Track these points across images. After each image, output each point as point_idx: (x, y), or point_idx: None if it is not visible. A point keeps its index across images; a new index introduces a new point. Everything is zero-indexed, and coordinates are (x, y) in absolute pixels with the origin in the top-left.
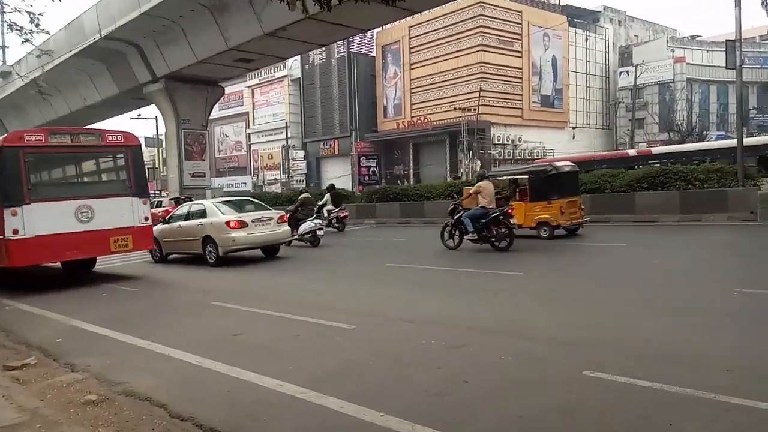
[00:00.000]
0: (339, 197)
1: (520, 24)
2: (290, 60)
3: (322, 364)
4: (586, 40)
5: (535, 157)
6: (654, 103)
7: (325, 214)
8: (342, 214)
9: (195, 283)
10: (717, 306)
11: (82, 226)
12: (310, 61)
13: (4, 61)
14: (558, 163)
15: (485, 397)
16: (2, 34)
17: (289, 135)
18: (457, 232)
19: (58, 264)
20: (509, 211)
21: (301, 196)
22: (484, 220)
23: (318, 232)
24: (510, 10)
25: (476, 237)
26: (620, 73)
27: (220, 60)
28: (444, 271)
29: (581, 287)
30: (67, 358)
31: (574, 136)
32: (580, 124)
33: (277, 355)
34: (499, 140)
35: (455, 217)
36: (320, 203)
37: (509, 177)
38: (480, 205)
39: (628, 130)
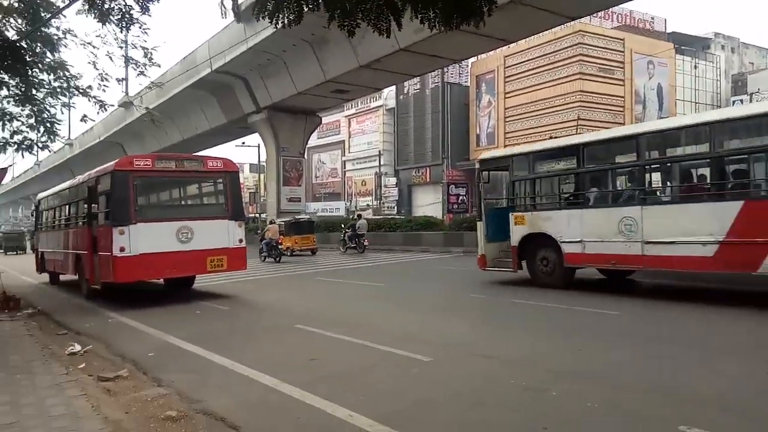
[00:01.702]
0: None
1: (623, 52)
2: (385, 90)
3: (395, 397)
4: (695, 67)
5: None
6: None
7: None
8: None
9: (281, 304)
10: None
11: (182, 246)
12: (405, 92)
13: (126, 93)
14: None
15: None
16: (125, 67)
17: (382, 162)
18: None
19: (161, 281)
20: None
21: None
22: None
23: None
24: (611, 38)
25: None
26: (733, 102)
27: (318, 91)
28: (529, 305)
29: (674, 328)
30: (156, 372)
31: None
32: None
33: (351, 384)
34: None
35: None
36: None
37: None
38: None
39: None
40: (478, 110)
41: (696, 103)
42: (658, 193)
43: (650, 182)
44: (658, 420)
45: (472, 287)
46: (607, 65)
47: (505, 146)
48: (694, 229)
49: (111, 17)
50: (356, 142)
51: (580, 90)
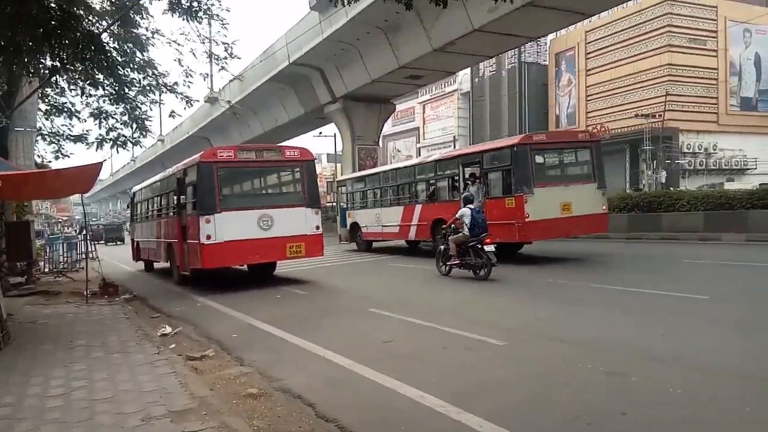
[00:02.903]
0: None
1: (715, 20)
2: (460, 74)
3: (466, 378)
4: None
5: (734, 167)
6: None
7: None
8: None
9: (356, 289)
10: None
11: (263, 233)
12: (480, 74)
13: (211, 89)
14: None
15: None
16: (210, 63)
17: (457, 148)
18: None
19: (245, 267)
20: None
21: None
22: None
23: None
24: (703, 5)
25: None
26: None
27: (391, 78)
28: (607, 289)
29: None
30: (239, 352)
31: None
32: None
33: (423, 365)
34: (689, 148)
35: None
36: None
37: None
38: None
39: None
40: (557, 90)
41: None
42: (384, 202)
43: (381, 196)
44: (747, 406)
45: (551, 272)
46: (698, 35)
47: (587, 126)
48: (394, 219)
49: (194, 14)
50: (431, 128)
51: (668, 63)
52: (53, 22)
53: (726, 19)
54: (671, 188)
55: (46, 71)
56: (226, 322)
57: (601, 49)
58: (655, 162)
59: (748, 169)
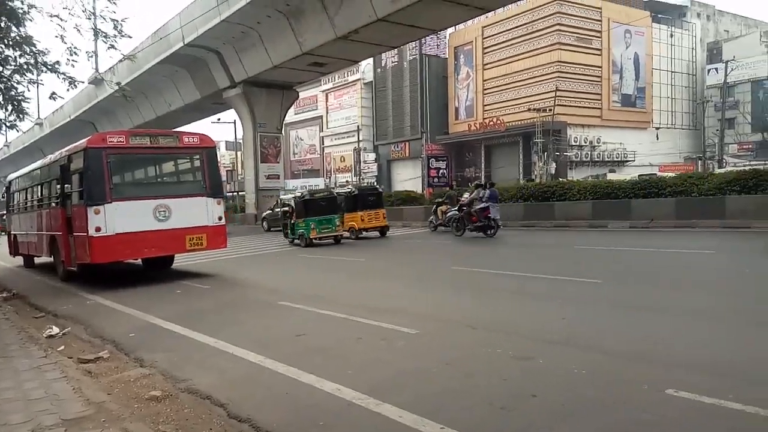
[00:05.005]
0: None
1: (600, 21)
2: (363, 63)
3: (382, 369)
4: (672, 36)
5: (615, 159)
6: (746, 101)
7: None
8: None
9: (265, 282)
10: None
11: (160, 225)
12: (383, 64)
13: (96, 69)
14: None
15: (555, 413)
16: (95, 42)
17: (360, 138)
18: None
19: (139, 261)
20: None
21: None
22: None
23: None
24: (589, 6)
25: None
26: (709, 70)
27: (294, 64)
28: (508, 275)
29: (658, 296)
30: (138, 352)
31: (657, 137)
32: (665, 124)
33: (338, 358)
34: (576, 141)
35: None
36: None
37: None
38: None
39: (716, 130)
40: (456, 83)
41: (672, 72)
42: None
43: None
44: (645, 384)
45: (452, 259)
46: (584, 35)
47: (484, 119)
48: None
49: None
50: (334, 117)
51: (558, 60)
52: None
53: (609, 20)
54: (561, 179)
55: None
56: (121, 321)
57: (497, 44)
58: (545, 154)
59: (628, 161)
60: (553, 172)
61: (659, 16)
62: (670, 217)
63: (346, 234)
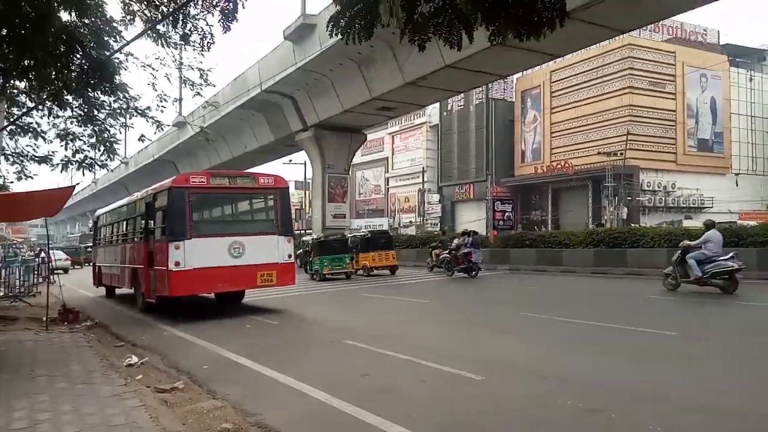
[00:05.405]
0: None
1: (674, 65)
2: (429, 107)
3: (447, 414)
4: (751, 80)
5: (691, 206)
6: None
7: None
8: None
9: (328, 319)
10: None
11: (234, 261)
12: (449, 108)
13: (179, 113)
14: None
15: None
16: (180, 88)
17: (425, 179)
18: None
19: (212, 295)
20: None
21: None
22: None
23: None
24: (662, 51)
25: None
26: None
27: (363, 109)
28: (583, 325)
29: (739, 350)
30: (210, 384)
31: (737, 183)
32: (744, 170)
33: (403, 400)
34: (649, 186)
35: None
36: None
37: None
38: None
39: None
40: (523, 126)
41: (752, 116)
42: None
43: None
44: None
45: (521, 305)
46: (657, 79)
47: (551, 162)
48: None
49: (186, 40)
50: (399, 158)
51: (629, 104)
52: (62, 45)
53: (684, 64)
54: (633, 224)
55: (14, 91)
56: (195, 353)
57: (565, 88)
58: (616, 198)
59: (705, 207)
60: (625, 217)
61: (737, 60)
62: (751, 268)
63: (360, 271)
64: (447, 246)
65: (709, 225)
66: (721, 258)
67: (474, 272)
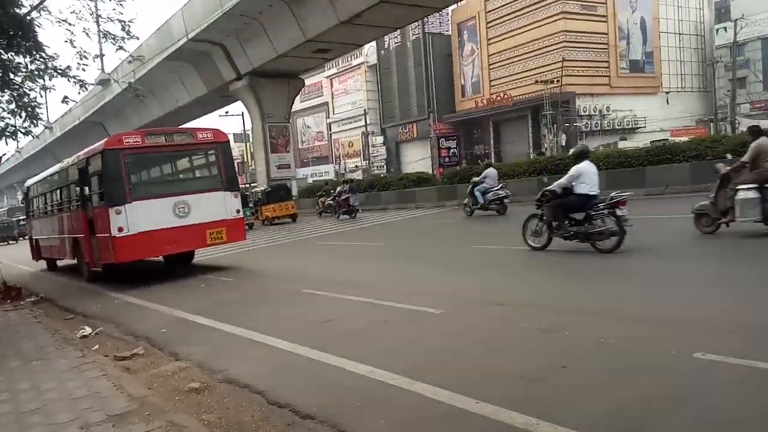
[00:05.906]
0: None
1: None
2: (366, 47)
3: (412, 350)
4: None
5: (626, 127)
6: (757, 59)
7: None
8: (502, 194)
9: (283, 271)
10: None
11: (180, 221)
12: (386, 46)
13: (102, 70)
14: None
15: (586, 383)
16: (99, 43)
17: (367, 122)
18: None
19: (161, 258)
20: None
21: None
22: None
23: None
24: None
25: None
26: (717, 30)
27: (298, 52)
28: (529, 252)
29: (679, 266)
30: (171, 347)
31: (668, 102)
32: (674, 88)
33: (368, 341)
34: (585, 111)
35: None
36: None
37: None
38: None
39: (728, 91)
40: (461, 59)
41: (680, 34)
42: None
43: None
44: (673, 349)
45: (471, 238)
46: (589, 2)
47: (491, 95)
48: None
49: None
50: (340, 102)
51: (563, 30)
52: None
53: None
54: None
55: None
56: (151, 317)
57: (501, 17)
58: (555, 126)
59: (639, 127)
60: (564, 144)
61: None
62: (685, 183)
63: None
64: (331, 194)
65: (487, 165)
66: (495, 188)
67: (353, 213)
